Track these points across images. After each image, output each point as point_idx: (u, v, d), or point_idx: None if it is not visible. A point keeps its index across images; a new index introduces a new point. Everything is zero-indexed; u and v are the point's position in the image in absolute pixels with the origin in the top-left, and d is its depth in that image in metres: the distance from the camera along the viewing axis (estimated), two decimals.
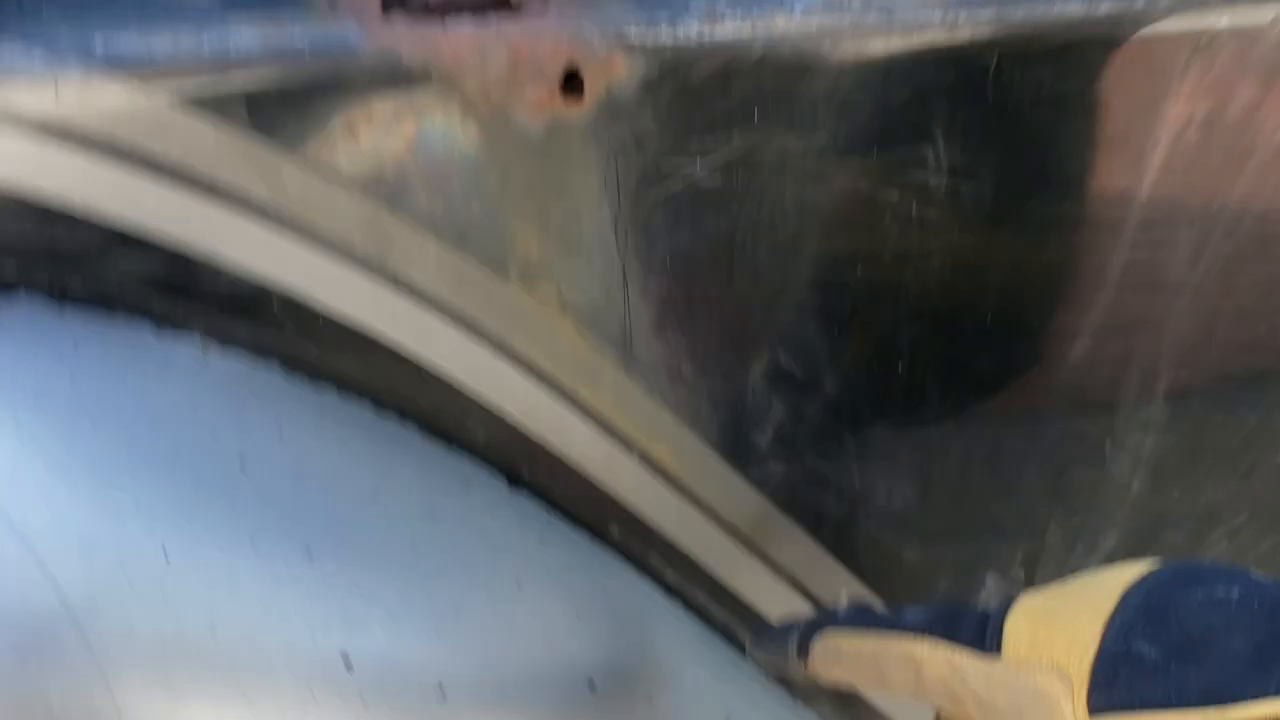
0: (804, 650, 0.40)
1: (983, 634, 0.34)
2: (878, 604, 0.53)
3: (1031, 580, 0.58)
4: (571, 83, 0.39)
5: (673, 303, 0.45)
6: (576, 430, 0.47)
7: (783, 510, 0.53)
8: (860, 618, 0.39)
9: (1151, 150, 0.45)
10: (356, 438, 0.44)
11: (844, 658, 0.39)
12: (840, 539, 0.55)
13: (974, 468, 0.54)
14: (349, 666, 0.38)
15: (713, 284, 0.45)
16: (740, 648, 0.55)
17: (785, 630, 0.41)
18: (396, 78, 0.37)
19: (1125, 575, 0.33)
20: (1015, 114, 0.43)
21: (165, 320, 0.41)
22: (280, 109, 0.37)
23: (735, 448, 0.50)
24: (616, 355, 0.46)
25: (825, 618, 0.40)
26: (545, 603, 0.48)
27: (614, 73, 0.39)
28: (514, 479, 0.48)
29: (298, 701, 0.37)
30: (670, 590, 0.54)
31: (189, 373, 0.41)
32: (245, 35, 0.36)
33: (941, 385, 0.51)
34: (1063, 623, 0.32)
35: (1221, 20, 0.42)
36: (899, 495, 0.54)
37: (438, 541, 0.45)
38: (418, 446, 0.46)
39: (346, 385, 0.44)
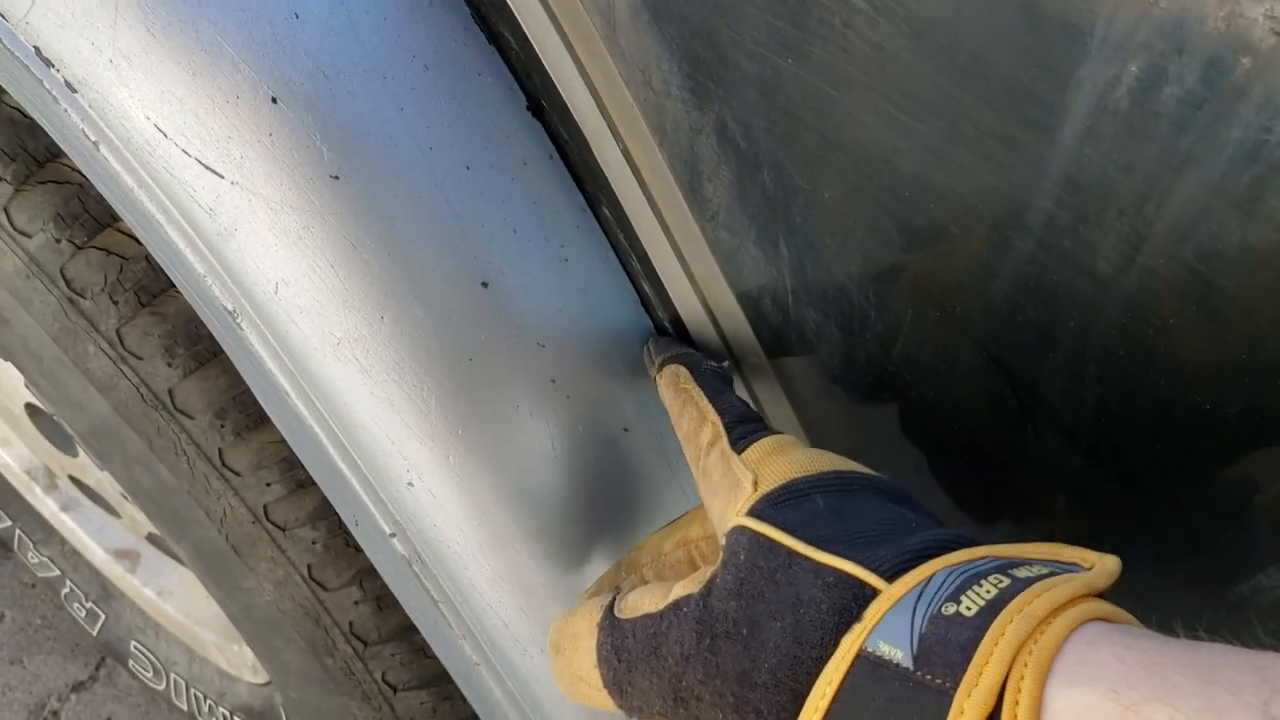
0: (662, 366, 0.52)
1: (746, 436, 0.45)
2: (731, 380, 0.54)
3: None
4: None
5: (645, 2, 0.44)
6: (577, 90, 0.50)
7: (723, 273, 0.50)
8: (706, 375, 0.50)
9: None
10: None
11: (673, 387, 0.50)
12: (758, 323, 0.51)
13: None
14: None
15: (684, 3, 0.43)
16: None
17: (666, 346, 0.54)
18: None
19: (855, 466, 0.43)
20: None
21: None
22: None
23: (693, 189, 0.49)
24: (605, 30, 0.47)
25: (691, 358, 0.52)
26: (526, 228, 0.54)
27: None
28: (534, 107, 0.53)
29: None
30: (629, 274, 0.56)
31: None
32: None
33: None
34: (786, 461, 0.42)
35: None
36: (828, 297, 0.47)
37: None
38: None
39: None
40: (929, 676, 0.30)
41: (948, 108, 0.38)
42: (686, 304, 0.55)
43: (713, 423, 0.47)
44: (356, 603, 0.77)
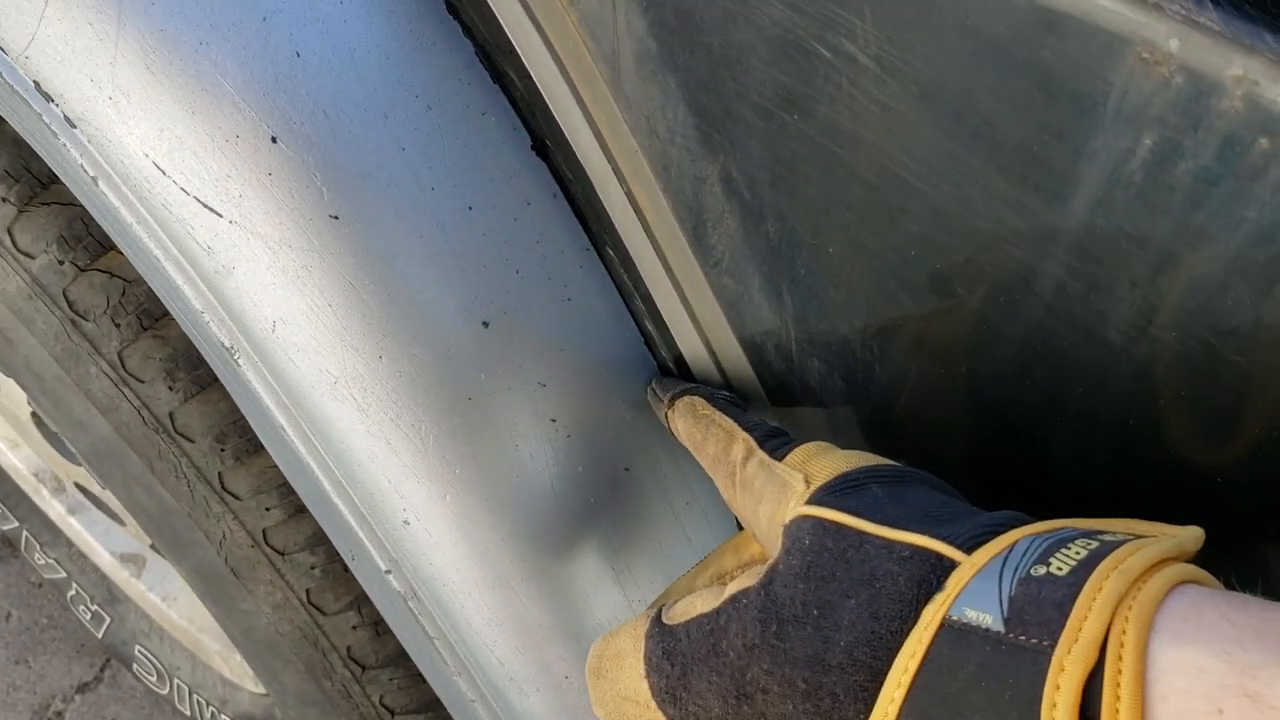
0: (674, 400, 0.51)
1: (782, 445, 0.44)
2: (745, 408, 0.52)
3: None
4: None
5: (651, 52, 0.43)
6: (581, 132, 0.49)
7: (726, 318, 0.50)
8: (724, 400, 0.50)
9: None
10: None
11: (691, 415, 0.50)
12: (762, 369, 0.50)
13: None
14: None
15: (690, 55, 0.42)
16: None
17: (673, 384, 0.53)
18: None
19: (886, 461, 0.42)
20: None
21: None
22: None
23: (697, 236, 0.48)
24: (610, 76, 0.46)
25: (703, 389, 0.52)
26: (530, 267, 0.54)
27: None
28: (538, 147, 0.52)
29: None
30: (633, 314, 0.55)
31: None
32: None
33: None
34: (834, 458, 0.42)
35: None
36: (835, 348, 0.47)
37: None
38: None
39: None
40: (1023, 637, 0.29)
41: (956, 171, 0.37)
42: (690, 346, 0.54)
43: (743, 439, 0.46)
44: (354, 627, 0.77)
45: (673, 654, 0.40)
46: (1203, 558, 0.37)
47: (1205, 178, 0.32)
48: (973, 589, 0.31)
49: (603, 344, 0.56)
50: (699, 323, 0.53)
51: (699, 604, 0.41)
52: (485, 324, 0.52)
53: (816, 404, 0.51)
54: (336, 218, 0.48)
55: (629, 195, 0.49)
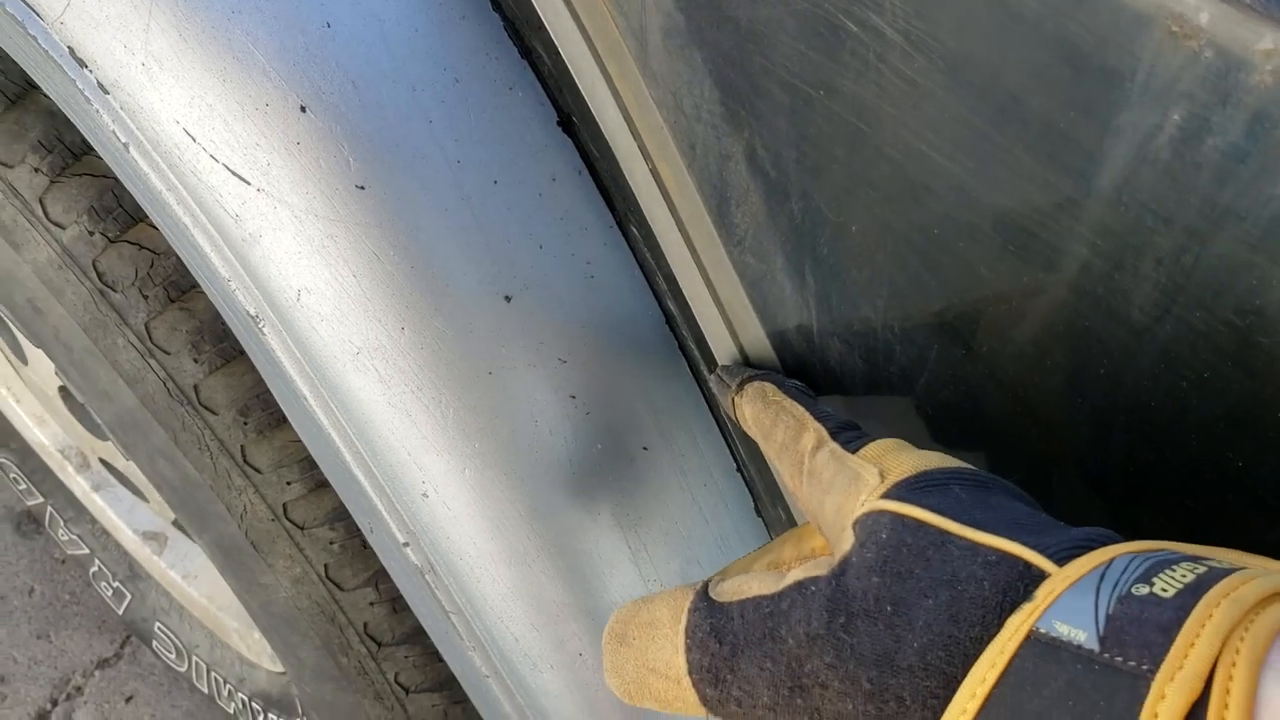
0: (742, 385, 0.50)
1: (856, 439, 0.42)
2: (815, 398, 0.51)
3: None
4: None
5: (679, 27, 0.43)
6: (608, 108, 0.49)
7: (749, 297, 0.50)
8: (793, 390, 0.48)
9: None
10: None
11: (761, 401, 0.48)
12: (783, 349, 0.50)
13: None
14: None
15: (717, 30, 0.42)
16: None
17: (740, 370, 0.52)
18: None
19: (966, 465, 0.39)
20: None
21: None
22: None
23: (721, 214, 0.48)
24: (637, 51, 0.46)
25: (773, 376, 0.50)
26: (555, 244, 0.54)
27: None
28: (564, 123, 0.53)
29: None
30: (655, 292, 0.55)
31: None
32: None
33: None
34: (913, 456, 0.39)
35: None
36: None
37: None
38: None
39: None
40: (1120, 658, 0.27)
41: (981, 147, 0.37)
42: (712, 326, 0.54)
43: (814, 429, 0.44)
44: (372, 604, 0.78)
45: (722, 632, 0.38)
46: (1215, 537, 0.37)
47: (1233, 154, 0.32)
48: (1065, 602, 0.29)
49: (625, 322, 0.56)
50: (721, 302, 0.53)
51: (755, 585, 0.38)
52: (508, 298, 0.52)
53: (837, 384, 0.51)
54: (363, 188, 0.48)
55: (654, 172, 0.50)
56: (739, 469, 0.62)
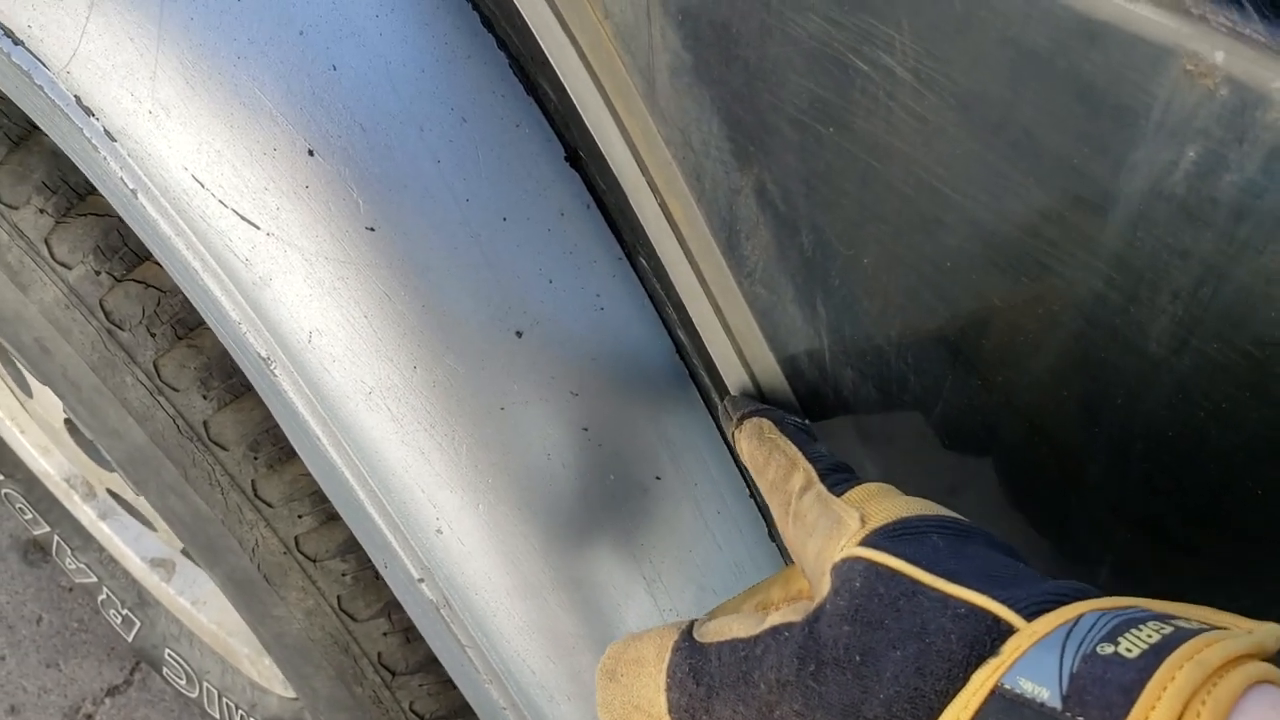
0: (743, 420, 0.50)
1: (843, 481, 0.42)
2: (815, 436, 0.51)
3: None
4: None
5: (687, 65, 0.43)
6: (615, 144, 0.49)
7: (760, 327, 0.50)
8: (793, 426, 0.49)
9: None
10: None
11: (757, 438, 0.48)
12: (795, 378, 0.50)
13: None
14: None
15: (726, 68, 0.42)
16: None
17: (745, 403, 0.52)
18: None
19: (949, 512, 0.40)
20: None
21: None
22: None
23: (730, 247, 0.48)
24: (645, 89, 0.46)
25: (773, 412, 0.50)
26: (565, 275, 0.54)
27: None
28: (571, 157, 0.53)
29: None
30: (665, 323, 0.55)
31: None
32: None
33: None
34: (896, 502, 0.40)
35: None
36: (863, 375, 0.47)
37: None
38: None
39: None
40: (1081, 717, 0.27)
41: (994, 183, 0.37)
42: (723, 355, 0.54)
43: (804, 469, 0.44)
44: (385, 634, 0.77)
45: (700, 673, 0.39)
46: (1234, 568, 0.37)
47: (1250, 190, 0.32)
48: (1031, 658, 0.30)
49: (635, 353, 0.56)
50: (731, 331, 0.53)
51: (735, 627, 0.39)
52: (519, 334, 0.52)
53: (849, 413, 0.51)
54: (373, 229, 0.48)
55: (662, 206, 0.50)
56: (751, 494, 0.62)
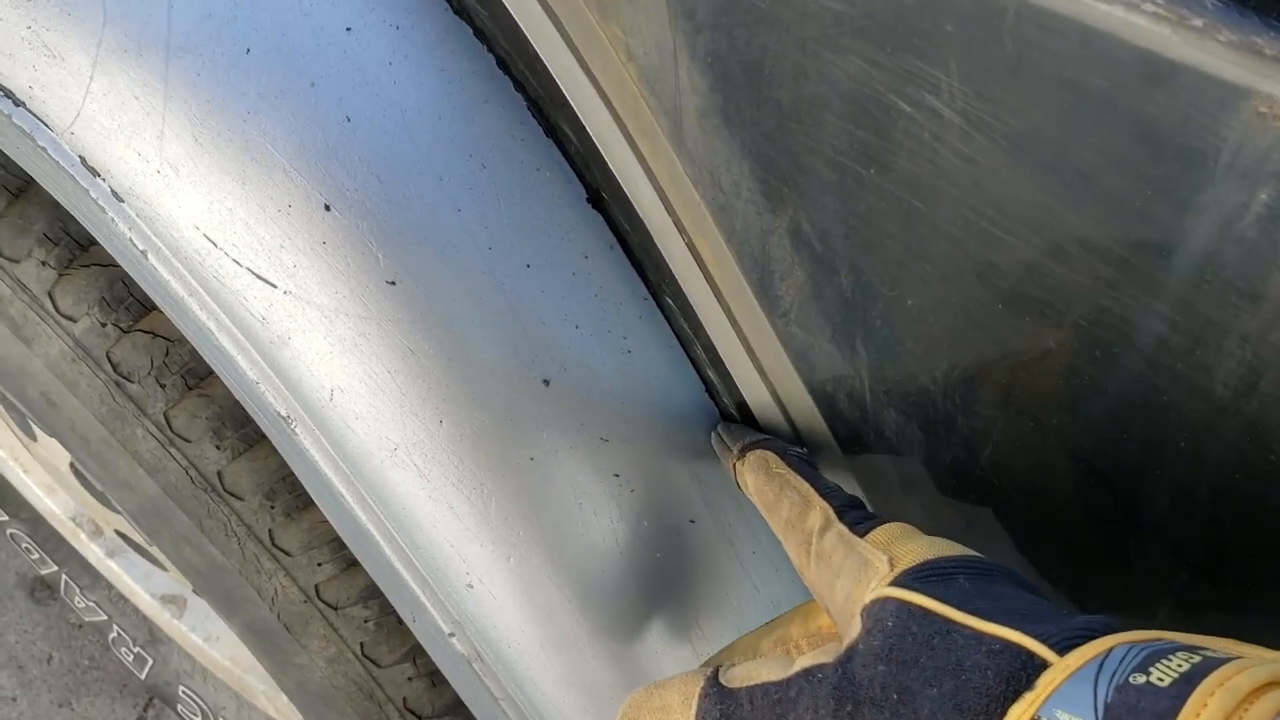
0: (744, 452, 0.49)
1: (863, 520, 0.42)
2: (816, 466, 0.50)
3: None
4: None
5: (716, 107, 0.42)
6: (640, 186, 0.48)
7: (795, 367, 0.48)
8: (797, 458, 0.48)
9: None
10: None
11: (764, 473, 0.48)
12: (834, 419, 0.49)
13: None
14: None
15: (757, 110, 0.41)
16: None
17: (742, 432, 0.51)
18: None
19: (971, 552, 0.40)
20: None
21: None
22: None
23: (763, 287, 0.46)
24: (671, 130, 0.44)
25: (775, 444, 0.50)
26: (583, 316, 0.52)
27: None
28: (593, 199, 0.51)
29: None
30: (694, 363, 0.54)
31: None
32: None
33: None
34: (920, 544, 0.40)
35: None
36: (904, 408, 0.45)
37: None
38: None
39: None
40: None
41: (1049, 225, 0.36)
42: (755, 395, 0.53)
43: (820, 507, 0.44)
44: (410, 679, 0.76)
45: (731, 718, 0.39)
46: None
47: None
48: (1065, 691, 0.30)
49: (665, 395, 0.54)
50: (764, 372, 0.51)
51: (764, 672, 0.39)
52: (546, 382, 0.51)
53: (892, 454, 0.49)
54: (393, 283, 0.47)
55: (690, 246, 0.48)
56: None
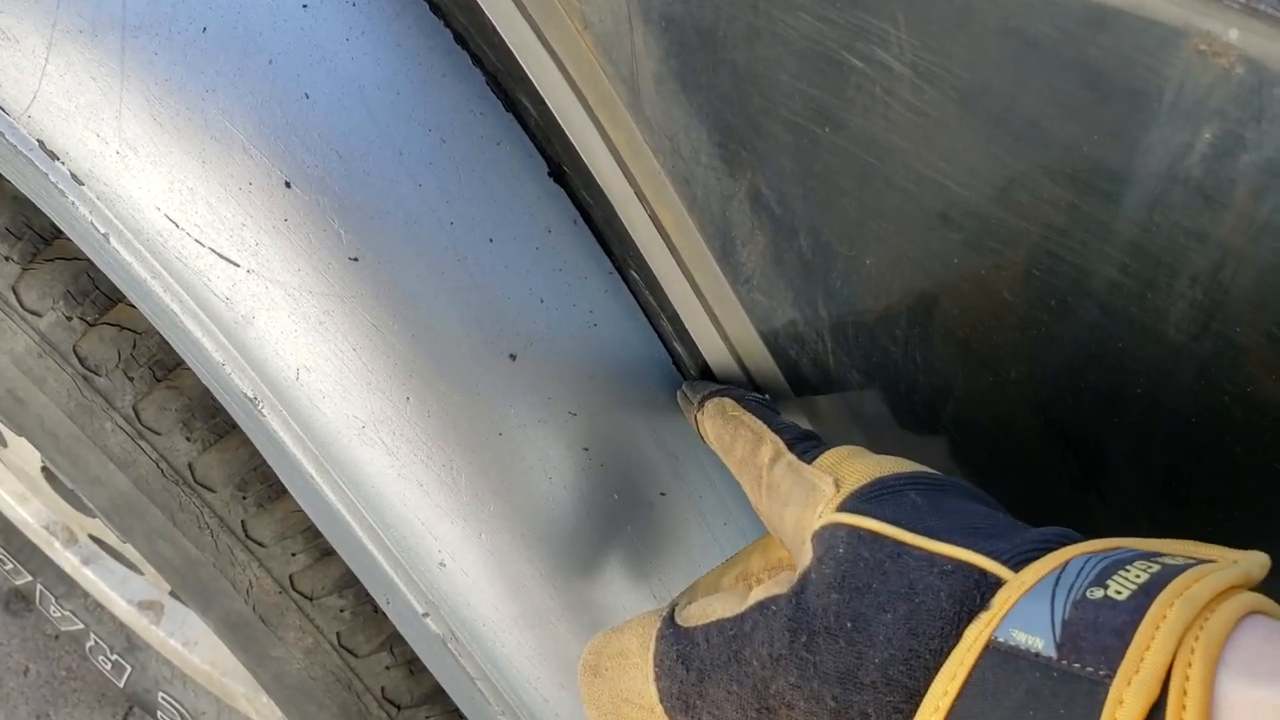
0: (704, 402, 0.50)
1: (813, 449, 0.42)
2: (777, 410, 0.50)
3: None
4: None
5: (672, 72, 0.42)
6: (601, 156, 0.48)
7: (759, 334, 0.48)
8: (755, 401, 0.48)
9: None
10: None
11: (720, 416, 0.48)
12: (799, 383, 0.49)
13: None
14: None
15: (713, 73, 0.41)
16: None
17: (703, 386, 0.51)
18: None
19: (923, 467, 0.39)
20: None
21: None
22: None
23: (725, 254, 0.47)
24: (629, 98, 0.45)
25: (733, 391, 0.50)
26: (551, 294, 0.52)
27: None
28: (555, 173, 0.51)
29: None
30: (660, 335, 0.54)
31: None
32: None
33: None
34: (868, 462, 0.39)
35: None
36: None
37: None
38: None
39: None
40: (1077, 664, 0.27)
41: (1000, 175, 0.36)
42: (721, 364, 0.53)
43: (771, 440, 0.44)
44: (388, 668, 0.76)
45: (688, 658, 0.38)
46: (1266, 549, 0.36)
47: (1269, 169, 0.31)
48: (1021, 609, 0.29)
49: (632, 368, 0.54)
50: (730, 340, 0.52)
51: (719, 608, 0.39)
52: (512, 356, 0.51)
53: (856, 416, 0.50)
54: (356, 260, 0.47)
55: (652, 216, 0.48)
56: None
